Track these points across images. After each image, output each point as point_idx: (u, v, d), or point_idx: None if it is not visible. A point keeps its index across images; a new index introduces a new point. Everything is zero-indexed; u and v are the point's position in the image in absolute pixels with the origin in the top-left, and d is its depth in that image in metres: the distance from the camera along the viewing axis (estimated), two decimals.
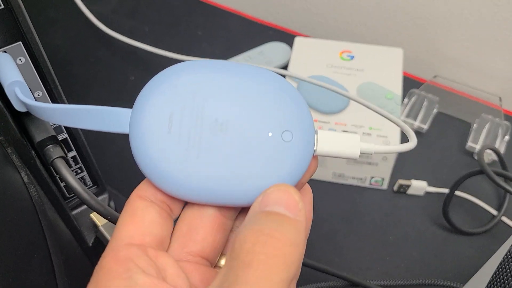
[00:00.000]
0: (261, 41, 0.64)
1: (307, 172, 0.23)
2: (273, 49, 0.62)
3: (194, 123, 0.21)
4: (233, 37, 0.65)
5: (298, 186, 0.24)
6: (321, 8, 0.67)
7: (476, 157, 0.51)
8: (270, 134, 0.21)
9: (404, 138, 0.52)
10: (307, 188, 0.25)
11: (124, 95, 0.59)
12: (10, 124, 0.24)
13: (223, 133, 0.21)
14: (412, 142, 0.25)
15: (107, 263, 0.19)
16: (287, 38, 0.64)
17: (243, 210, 0.24)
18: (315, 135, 0.22)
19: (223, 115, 0.21)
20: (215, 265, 0.24)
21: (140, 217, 0.21)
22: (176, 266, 0.21)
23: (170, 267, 0.21)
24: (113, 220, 0.26)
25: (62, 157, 0.26)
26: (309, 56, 0.55)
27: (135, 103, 0.22)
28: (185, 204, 0.23)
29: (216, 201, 0.22)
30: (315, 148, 0.22)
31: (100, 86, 0.61)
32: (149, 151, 0.21)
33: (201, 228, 0.22)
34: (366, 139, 0.48)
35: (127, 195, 0.47)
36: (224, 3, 0.70)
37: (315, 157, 0.23)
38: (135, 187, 0.45)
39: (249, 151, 0.21)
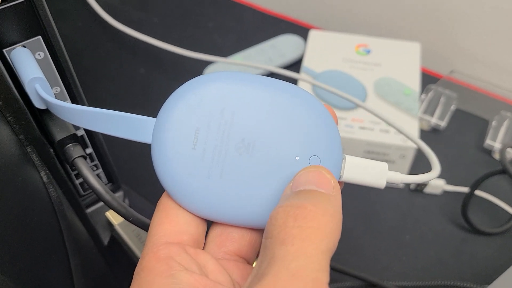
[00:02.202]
0: (273, 34, 0.62)
1: None
2: (286, 42, 0.60)
3: (220, 140, 0.20)
4: (244, 29, 0.64)
5: None
6: (334, 0, 0.66)
7: (494, 155, 0.50)
8: (297, 158, 0.21)
9: (423, 136, 0.51)
10: None
11: (134, 88, 0.58)
12: (30, 122, 0.23)
13: (249, 154, 0.20)
14: (435, 171, 0.25)
15: (148, 262, 0.19)
16: (300, 30, 0.62)
17: None
18: (343, 161, 0.22)
19: (251, 134, 0.20)
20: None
21: (175, 216, 0.21)
22: (216, 263, 0.21)
23: (210, 264, 0.20)
24: (135, 222, 0.25)
25: (82, 156, 0.25)
26: (324, 50, 0.54)
27: (160, 112, 0.21)
28: None
29: (236, 222, 0.22)
30: (341, 174, 0.22)
31: (109, 78, 0.59)
32: (171, 165, 0.20)
33: (236, 227, 0.22)
34: (383, 136, 0.47)
35: (140, 191, 0.46)
36: None
37: (340, 182, 0.22)
38: (149, 183, 0.44)
39: (274, 175, 0.21)
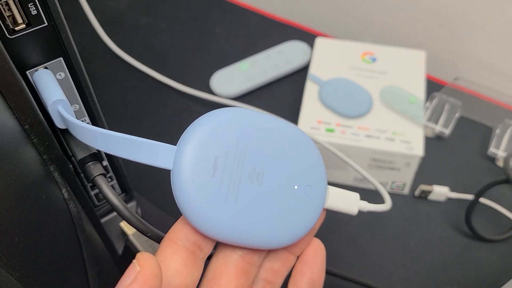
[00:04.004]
0: (279, 39, 0.63)
1: (317, 222, 0.26)
2: (293, 49, 0.61)
3: (236, 169, 0.22)
4: (250, 35, 0.65)
5: (311, 232, 0.27)
6: (340, 6, 0.67)
7: (498, 163, 0.51)
8: (296, 187, 0.24)
9: (427, 143, 0.52)
10: (320, 247, 0.27)
11: (141, 94, 0.59)
12: (54, 143, 0.24)
13: (259, 182, 0.23)
14: (387, 204, 0.31)
15: None
16: (305, 36, 0.63)
17: (267, 258, 0.26)
18: (327, 191, 0.25)
19: (261, 165, 0.23)
20: None
21: (166, 266, 0.22)
22: None
23: None
24: (154, 238, 0.26)
25: (102, 174, 0.26)
26: (331, 57, 0.55)
27: (181, 140, 0.22)
28: (216, 243, 0.24)
29: (244, 243, 0.23)
30: (325, 202, 0.25)
31: (116, 84, 0.60)
32: (191, 192, 0.21)
33: (224, 274, 0.24)
34: (388, 144, 0.48)
35: (153, 200, 0.47)
36: None
37: (324, 209, 0.26)
38: (157, 189, 0.44)
39: (277, 201, 0.23)
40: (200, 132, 0.22)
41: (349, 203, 0.26)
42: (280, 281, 0.27)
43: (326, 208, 0.25)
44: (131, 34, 0.64)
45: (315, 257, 0.27)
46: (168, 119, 0.56)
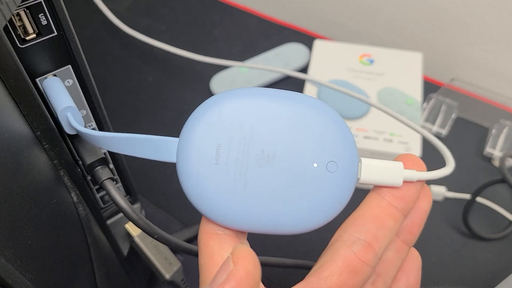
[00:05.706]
0: (277, 41, 0.64)
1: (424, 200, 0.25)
2: (291, 51, 0.62)
3: (241, 154, 0.21)
4: (249, 37, 0.65)
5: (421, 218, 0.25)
6: (338, 9, 0.67)
7: (494, 163, 0.52)
8: (315, 165, 0.21)
9: (424, 144, 0.53)
10: (416, 254, 0.26)
11: (142, 96, 0.60)
12: (64, 148, 0.24)
13: (269, 165, 0.21)
14: (450, 167, 0.26)
15: None
16: (303, 38, 0.64)
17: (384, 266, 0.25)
18: (359, 164, 0.22)
19: (269, 146, 0.21)
20: None
21: (219, 258, 0.21)
22: None
23: None
24: (160, 239, 0.26)
25: (110, 178, 0.26)
26: (329, 59, 0.56)
27: (182, 132, 0.22)
28: None
29: (260, 230, 0.22)
30: (358, 177, 0.22)
31: (117, 86, 0.61)
32: (196, 182, 0.21)
33: (327, 266, 0.22)
34: (387, 145, 0.48)
35: (155, 202, 0.47)
36: (240, 2, 0.70)
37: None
38: (162, 194, 0.44)
39: (294, 183, 0.21)
40: (199, 121, 0.21)
41: (391, 174, 0.23)
42: (392, 273, 0.25)
43: (362, 183, 0.23)
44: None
45: (411, 263, 0.26)
46: (169, 120, 0.57)
